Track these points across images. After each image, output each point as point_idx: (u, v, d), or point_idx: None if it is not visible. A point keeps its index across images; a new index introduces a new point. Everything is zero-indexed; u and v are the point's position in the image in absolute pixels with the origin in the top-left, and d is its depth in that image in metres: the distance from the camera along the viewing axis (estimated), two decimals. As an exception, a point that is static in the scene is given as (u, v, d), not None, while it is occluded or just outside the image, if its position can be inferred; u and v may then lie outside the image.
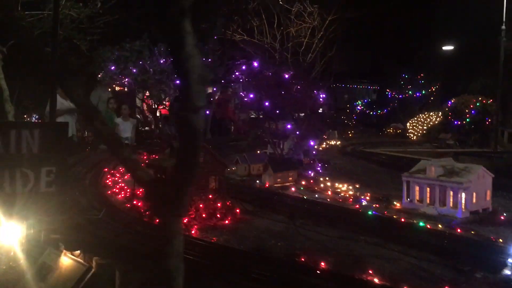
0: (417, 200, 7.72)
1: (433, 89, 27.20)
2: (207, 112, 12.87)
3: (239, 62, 10.56)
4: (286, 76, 10.15)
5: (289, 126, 10.03)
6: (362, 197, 8.61)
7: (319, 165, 11.44)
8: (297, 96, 10.31)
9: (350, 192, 9.22)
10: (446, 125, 20.97)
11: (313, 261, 4.81)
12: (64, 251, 4.55)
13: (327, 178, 10.49)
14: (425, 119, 22.81)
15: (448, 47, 36.68)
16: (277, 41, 25.02)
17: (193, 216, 6.39)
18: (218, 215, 6.49)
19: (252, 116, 22.55)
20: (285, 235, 6.03)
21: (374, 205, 8.04)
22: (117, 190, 8.14)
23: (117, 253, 4.45)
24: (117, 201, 7.20)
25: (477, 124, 19.55)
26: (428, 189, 7.53)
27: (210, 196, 6.79)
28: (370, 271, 4.61)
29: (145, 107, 19.13)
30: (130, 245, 4.71)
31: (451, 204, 7.27)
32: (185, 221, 6.26)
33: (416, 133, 22.38)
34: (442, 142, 19.60)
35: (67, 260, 4.46)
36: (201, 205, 6.62)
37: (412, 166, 13.31)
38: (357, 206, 7.94)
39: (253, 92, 10.10)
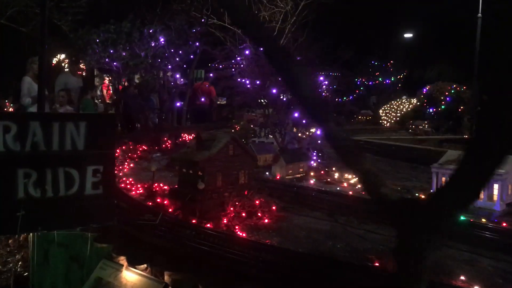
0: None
1: (401, 77, 27.41)
2: (178, 104, 12.21)
3: (242, 47, 9.92)
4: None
5: (296, 115, 9.56)
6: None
7: (314, 154, 11.05)
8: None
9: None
10: (420, 112, 21.11)
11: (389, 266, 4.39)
12: (125, 264, 3.90)
13: (333, 169, 10.12)
14: (398, 106, 22.91)
15: (408, 35, 37.20)
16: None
17: (232, 215, 5.83)
18: (259, 214, 5.95)
19: (221, 103, 21.97)
20: (336, 234, 5.59)
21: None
22: (126, 185, 7.42)
23: (190, 266, 3.85)
24: (136, 199, 6.51)
25: (451, 111, 19.76)
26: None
27: (246, 193, 6.23)
28: (462, 277, 4.25)
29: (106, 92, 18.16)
30: (200, 256, 4.10)
31: (486, 197, 7.04)
32: (225, 221, 5.70)
33: (389, 120, 22.43)
34: (418, 129, 19.68)
35: (132, 276, 3.82)
36: (237, 203, 6.07)
37: (403, 153, 13.28)
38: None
39: (259, 79, 9.53)
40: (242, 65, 10.01)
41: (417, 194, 7.83)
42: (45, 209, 4.01)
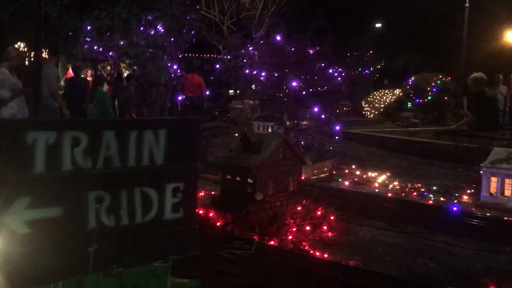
0: (501, 194, 6.98)
1: (379, 66, 27.19)
2: (180, 97, 11.32)
3: (256, 36, 9.10)
4: (311, 51, 8.91)
5: (316, 109, 8.88)
6: (422, 189, 7.74)
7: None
8: (320, 75, 9.14)
9: (395, 183, 8.33)
10: (403, 103, 20.86)
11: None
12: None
13: (353, 167, 9.53)
14: (381, 97, 22.61)
15: (378, 25, 37.18)
16: (226, 13, 23.48)
17: (295, 229, 5.11)
18: (325, 227, 5.24)
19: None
20: (418, 249, 4.98)
21: (441, 199, 7.21)
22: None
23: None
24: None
25: (437, 102, 19.60)
26: (514, 181, 6.80)
27: (304, 202, 5.51)
28: None
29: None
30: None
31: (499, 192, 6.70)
32: (289, 237, 4.97)
33: (372, 111, 22.12)
34: (405, 120, 19.42)
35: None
36: (296, 215, 5.34)
37: (409, 147, 12.84)
38: (431, 202, 7.06)
39: (277, 71, 8.77)
40: (254, 56, 9.20)
41: (465, 197, 7.32)
42: (120, 241, 3.17)
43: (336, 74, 10.22)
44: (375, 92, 23.19)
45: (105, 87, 15.77)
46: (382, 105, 22.15)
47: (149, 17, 9.91)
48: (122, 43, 9.54)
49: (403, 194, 7.43)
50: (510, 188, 6.90)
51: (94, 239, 3.01)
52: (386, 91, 23.10)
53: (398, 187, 8.01)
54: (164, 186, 3.33)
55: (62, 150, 2.90)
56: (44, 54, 12.76)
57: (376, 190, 7.54)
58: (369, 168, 9.41)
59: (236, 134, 13.71)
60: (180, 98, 10.94)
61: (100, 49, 9.75)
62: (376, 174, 9.01)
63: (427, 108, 19.81)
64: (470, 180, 8.55)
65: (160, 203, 3.32)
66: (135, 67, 10.36)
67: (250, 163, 5.34)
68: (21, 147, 2.76)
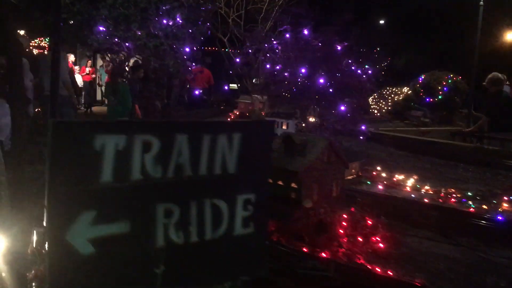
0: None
1: (384, 65, 26.81)
2: (197, 91, 10.90)
3: (282, 29, 8.67)
4: (339, 47, 8.50)
5: (343, 108, 8.50)
6: (459, 195, 7.38)
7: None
8: (347, 71, 8.75)
9: (427, 187, 7.96)
10: (413, 102, 20.52)
11: None
12: None
13: (379, 168, 9.15)
14: (389, 95, 22.28)
15: (381, 21, 36.87)
16: (232, 6, 22.99)
17: (345, 240, 4.73)
18: (378, 238, 4.87)
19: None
20: (479, 265, 4.61)
21: (484, 207, 6.85)
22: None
23: None
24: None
25: (448, 101, 19.28)
26: None
27: (352, 210, 5.13)
28: None
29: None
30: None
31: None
32: (342, 249, 4.59)
33: (380, 109, 21.78)
34: (415, 119, 19.11)
35: None
36: (344, 223, 4.96)
37: (427, 149, 12.48)
38: (472, 209, 6.70)
39: (305, 66, 8.36)
40: (278, 50, 8.79)
41: (505, 205, 6.97)
42: (189, 261, 2.78)
43: (359, 71, 9.84)
44: (381, 90, 22.83)
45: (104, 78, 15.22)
46: (390, 103, 21.82)
47: (167, 7, 9.43)
48: (139, 33, 9.08)
49: (441, 200, 7.06)
50: (556, 197, 6.56)
51: (162, 259, 2.61)
52: (394, 89, 22.76)
53: (431, 192, 7.64)
54: (235, 198, 2.95)
55: (132, 156, 2.50)
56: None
57: (413, 196, 7.16)
58: (395, 170, 9.04)
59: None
60: (197, 92, 10.54)
61: (116, 40, 9.29)
62: (403, 176, 8.63)
63: (437, 107, 19.49)
64: (504, 185, 8.20)
65: (231, 217, 2.94)
66: (144, 58, 9.79)
67: (296, 167, 4.94)
68: (88, 152, 2.36)
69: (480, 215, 5.93)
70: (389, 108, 21.44)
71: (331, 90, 8.48)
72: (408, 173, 8.98)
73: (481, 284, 4.16)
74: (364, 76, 9.47)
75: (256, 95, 17.39)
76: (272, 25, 22.41)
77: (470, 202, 7.04)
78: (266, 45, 9.04)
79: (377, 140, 12.94)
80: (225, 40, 18.42)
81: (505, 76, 15.63)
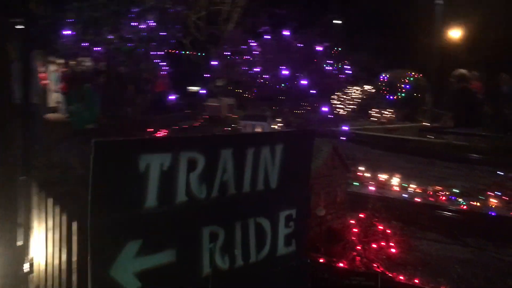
0: (537, 197, 6.71)
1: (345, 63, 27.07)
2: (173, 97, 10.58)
3: (261, 30, 8.46)
4: (321, 48, 8.39)
5: (325, 109, 8.38)
6: (447, 193, 7.38)
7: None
8: (328, 72, 8.65)
9: (413, 186, 7.94)
10: (376, 100, 20.73)
11: None
12: None
13: (361, 168, 9.09)
14: (352, 94, 22.41)
15: (337, 21, 37.27)
16: (192, 7, 22.61)
17: (359, 247, 4.57)
18: (392, 244, 4.73)
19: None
20: (495, 267, 4.55)
21: (477, 204, 6.86)
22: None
23: None
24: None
25: (411, 98, 19.58)
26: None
27: (362, 216, 4.97)
28: None
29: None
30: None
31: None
32: (358, 258, 4.42)
33: (344, 107, 21.88)
34: (380, 117, 19.28)
35: None
36: (355, 230, 4.81)
37: (402, 146, 12.57)
38: (465, 207, 6.70)
39: (286, 68, 8.19)
40: (257, 52, 8.58)
41: (493, 200, 7.01)
42: (234, 286, 2.52)
43: (336, 71, 9.79)
44: (344, 89, 22.97)
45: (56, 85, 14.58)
46: (354, 102, 21.96)
47: (136, 10, 9.04)
48: (112, 37, 8.64)
49: (432, 199, 7.04)
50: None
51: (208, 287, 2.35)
52: (356, 88, 22.94)
53: (420, 191, 7.61)
54: (278, 215, 2.72)
55: (177, 176, 2.23)
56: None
57: (405, 196, 7.11)
58: (377, 170, 8.99)
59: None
60: (173, 97, 10.20)
61: (85, 44, 8.81)
62: (387, 176, 8.59)
63: (400, 104, 19.76)
64: (486, 181, 8.31)
65: (273, 236, 2.70)
66: (114, 63, 9.30)
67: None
68: (132, 175, 2.07)
69: (479, 213, 5.93)
70: (354, 106, 21.59)
71: (313, 91, 8.36)
72: (390, 172, 8.95)
73: (504, 286, 4.09)
74: (341, 76, 9.40)
75: (224, 98, 17.13)
76: (233, 26, 22.23)
77: (461, 200, 7.05)
78: (244, 46, 8.80)
79: (351, 139, 12.91)
80: (187, 42, 18.07)
81: (476, 73, 15.95)
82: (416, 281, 3.72)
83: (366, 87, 22.76)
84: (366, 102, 21.54)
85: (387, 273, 4.16)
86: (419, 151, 11.45)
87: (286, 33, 7.72)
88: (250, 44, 8.52)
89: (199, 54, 22.89)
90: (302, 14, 7.98)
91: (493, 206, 6.71)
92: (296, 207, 2.78)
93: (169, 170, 2.19)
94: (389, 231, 5.04)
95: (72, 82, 9.35)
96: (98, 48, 8.89)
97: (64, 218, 5.19)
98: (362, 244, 4.60)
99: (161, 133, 12.32)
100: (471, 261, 4.62)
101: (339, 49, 8.50)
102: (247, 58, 8.73)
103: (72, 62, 10.44)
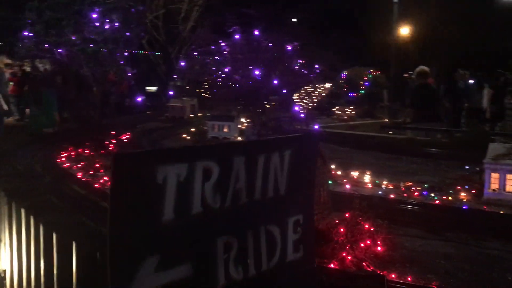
0: (506, 190, 6.94)
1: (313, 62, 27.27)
2: (140, 98, 10.37)
3: (231, 30, 8.36)
4: (289, 48, 8.38)
5: (297, 108, 8.39)
6: (419, 188, 7.55)
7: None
8: (298, 71, 8.68)
9: (385, 182, 8.08)
10: (337, 97, 21.05)
11: None
12: None
13: (332, 166, 9.18)
14: (313, 91, 22.62)
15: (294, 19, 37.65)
16: (149, 6, 22.26)
17: (348, 246, 4.59)
18: (379, 242, 4.77)
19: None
20: (480, 260, 4.67)
21: (449, 198, 7.04)
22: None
23: None
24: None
25: (370, 95, 20.00)
26: (521, 177, 6.80)
27: (347, 215, 4.99)
28: None
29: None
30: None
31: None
32: (349, 258, 4.44)
33: (305, 105, 22.07)
34: (341, 114, 19.59)
35: None
36: (342, 230, 4.82)
37: (367, 143, 12.78)
38: (437, 202, 6.87)
39: (257, 68, 8.14)
40: (226, 52, 8.49)
41: (463, 194, 7.21)
42: (247, 297, 2.46)
43: (306, 70, 9.84)
44: (305, 87, 23.17)
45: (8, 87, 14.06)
46: (315, 99, 22.19)
47: (99, 9, 8.76)
48: (74, 38, 8.33)
49: (406, 195, 7.18)
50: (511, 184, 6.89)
51: (224, 300, 2.29)
52: (317, 86, 23.18)
53: (392, 187, 7.76)
54: (286, 221, 2.68)
55: (193, 187, 2.15)
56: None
57: (380, 192, 7.22)
58: (347, 167, 9.10)
59: (185, 135, 12.91)
60: (140, 99, 9.95)
61: (46, 46, 8.47)
62: (357, 173, 8.70)
63: (360, 101, 20.15)
64: (452, 175, 8.57)
65: (283, 242, 2.66)
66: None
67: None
68: (150, 187, 1.98)
69: (453, 208, 6.09)
70: (314, 104, 21.82)
71: (284, 90, 8.36)
72: (361, 169, 9.07)
73: (490, 279, 4.20)
74: (311, 75, 9.45)
75: (187, 98, 16.94)
76: (192, 25, 21.98)
77: (433, 194, 7.22)
78: (213, 47, 8.70)
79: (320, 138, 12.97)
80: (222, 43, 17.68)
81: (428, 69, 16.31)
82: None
83: (327, 85, 23.11)
84: (328, 100, 21.89)
85: (378, 272, 4.19)
86: (384, 147, 11.67)
87: (256, 32, 7.66)
88: (220, 44, 8.42)
89: (157, 53, 22.52)
90: (268, 13, 7.92)
91: (465, 200, 6.91)
92: (303, 212, 2.75)
93: (186, 180, 2.11)
94: (372, 229, 5.09)
95: (24, 84, 8.97)
96: (60, 50, 8.56)
97: (42, 229, 4.96)
98: (350, 243, 4.61)
99: (125, 136, 12.05)
100: (455, 255, 4.73)
101: (307, 47, 8.50)
102: (211, 58, 8.62)
103: (27, 64, 10.05)
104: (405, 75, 21.86)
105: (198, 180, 2.16)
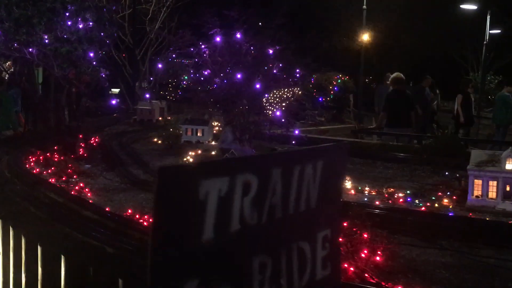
0: (489, 197, 7.00)
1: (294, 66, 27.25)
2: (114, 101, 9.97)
3: (212, 32, 8.14)
4: (271, 51, 8.24)
5: (278, 113, 8.26)
6: (401, 195, 7.54)
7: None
8: (279, 76, 8.56)
9: (367, 188, 8.06)
10: (305, 102, 21.05)
11: None
12: None
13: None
14: (280, 96, 22.58)
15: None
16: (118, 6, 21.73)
17: (350, 257, 4.47)
18: (379, 252, 4.66)
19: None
20: (480, 269, 4.64)
21: (435, 205, 7.05)
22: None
23: None
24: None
25: (339, 100, 20.14)
26: (505, 183, 6.87)
27: (345, 225, 4.87)
28: None
29: None
30: None
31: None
32: (352, 269, 4.31)
33: (272, 109, 22.04)
34: (309, 119, 19.64)
35: None
36: (340, 239, 4.68)
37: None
38: (423, 208, 6.86)
39: (239, 72, 7.94)
40: (205, 54, 8.28)
41: (446, 200, 7.24)
42: (280, 321, 2.28)
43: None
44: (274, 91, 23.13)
45: None
46: (283, 104, 22.17)
47: (73, 7, 8.38)
48: (46, 37, 7.91)
49: (390, 202, 7.15)
50: (494, 190, 6.96)
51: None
52: (285, 90, 23.17)
53: (374, 193, 7.73)
54: (316, 236, 2.51)
55: (232, 202, 1.96)
56: None
57: (365, 199, 7.16)
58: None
59: (156, 139, 12.61)
60: (114, 102, 9.57)
61: (16, 45, 8.01)
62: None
63: (328, 106, 20.27)
64: (431, 180, 8.64)
65: (313, 260, 2.49)
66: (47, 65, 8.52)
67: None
68: (193, 203, 1.78)
69: (440, 214, 6.08)
70: (282, 108, 21.80)
71: (266, 95, 8.21)
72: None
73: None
74: (290, 80, 9.35)
75: (155, 101, 16.56)
76: (160, 26, 21.58)
77: (417, 201, 7.22)
78: (192, 49, 8.46)
79: (285, 142, 12.91)
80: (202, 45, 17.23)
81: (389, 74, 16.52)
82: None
83: (296, 89, 23.15)
84: (297, 104, 21.92)
85: (383, 284, 4.08)
86: (358, 153, 11.68)
87: (238, 35, 7.49)
88: (200, 46, 8.20)
89: (123, 55, 21.97)
90: (249, 16, 7.78)
91: (450, 207, 6.93)
92: (331, 226, 2.59)
93: (226, 196, 1.91)
94: (371, 239, 4.99)
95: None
96: (31, 49, 8.11)
97: (24, 241, 4.61)
98: (351, 253, 4.49)
99: (93, 139, 11.64)
100: (454, 265, 4.68)
101: (286, 51, 8.39)
102: (188, 61, 8.38)
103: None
104: (366, 80, 22.12)
105: (238, 194, 1.97)
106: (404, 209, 6.42)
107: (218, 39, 7.98)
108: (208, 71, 8.29)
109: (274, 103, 22.23)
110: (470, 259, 4.82)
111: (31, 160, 8.84)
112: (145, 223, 5.17)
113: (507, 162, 6.84)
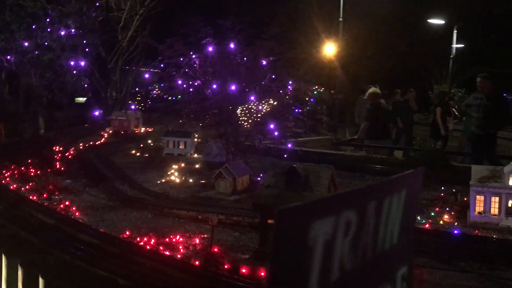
0: (491, 213, 6.87)
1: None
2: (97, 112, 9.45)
3: (204, 42, 7.77)
4: (264, 62, 7.96)
5: (272, 126, 7.97)
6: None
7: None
8: (271, 87, 8.29)
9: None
10: (282, 113, 20.86)
11: None
12: None
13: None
14: (257, 107, 22.33)
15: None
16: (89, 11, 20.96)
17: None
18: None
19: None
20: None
21: (440, 222, 6.86)
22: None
23: None
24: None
25: (315, 111, 20.01)
26: (508, 199, 6.76)
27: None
28: None
29: None
30: None
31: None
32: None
33: (248, 120, 21.74)
34: (287, 130, 19.39)
35: None
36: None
37: (319, 159, 12.55)
38: (427, 226, 6.66)
39: (233, 83, 7.61)
40: (195, 65, 7.92)
41: (446, 216, 7.08)
42: None
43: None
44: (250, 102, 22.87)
45: None
46: (259, 116, 21.92)
47: (53, 13, 7.88)
48: (26, 44, 7.37)
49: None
50: (497, 207, 6.84)
51: None
52: (262, 102, 22.95)
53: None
54: (395, 276, 2.20)
55: (335, 245, 1.63)
56: None
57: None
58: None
59: (134, 151, 12.16)
60: (97, 113, 9.05)
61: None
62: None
63: (305, 117, 20.08)
64: (429, 196, 8.50)
65: (392, 302, 2.17)
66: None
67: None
68: (302, 248, 1.45)
69: (445, 232, 5.90)
70: (258, 120, 21.54)
71: (260, 107, 7.92)
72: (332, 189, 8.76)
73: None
74: (281, 92, 9.12)
75: (131, 112, 16.02)
76: (133, 35, 21.10)
77: (419, 217, 7.03)
78: (181, 59, 8.08)
79: (268, 154, 12.61)
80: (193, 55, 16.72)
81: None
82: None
83: (271, 100, 22.97)
84: (272, 115, 21.72)
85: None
86: (344, 165, 11.51)
87: (231, 45, 7.18)
88: (191, 56, 7.84)
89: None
90: (243, 26, 7.50)
91: (455, 224, 6.76)
92: (407, 263, 2.29)
93: (330, 238, 1.59)
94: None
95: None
96: (8, 57, 7.54)
97: (20, 271, 4.12)
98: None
99: (69, 152, 11.10)
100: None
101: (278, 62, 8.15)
102: (178, 70, 8.02)
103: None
104: (332, 91, 22.38)
105: (340, 236, 1.64)
106: (416, 228, 6.19)
107: (210, 49, 7.64)
108: (198, 82, 7.93)
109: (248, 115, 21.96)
110: (495, 282, 4.61)
111: (5, 175, 8.27)
112: (147, 247, 4.77)
113: (510, 178, 6.73)
